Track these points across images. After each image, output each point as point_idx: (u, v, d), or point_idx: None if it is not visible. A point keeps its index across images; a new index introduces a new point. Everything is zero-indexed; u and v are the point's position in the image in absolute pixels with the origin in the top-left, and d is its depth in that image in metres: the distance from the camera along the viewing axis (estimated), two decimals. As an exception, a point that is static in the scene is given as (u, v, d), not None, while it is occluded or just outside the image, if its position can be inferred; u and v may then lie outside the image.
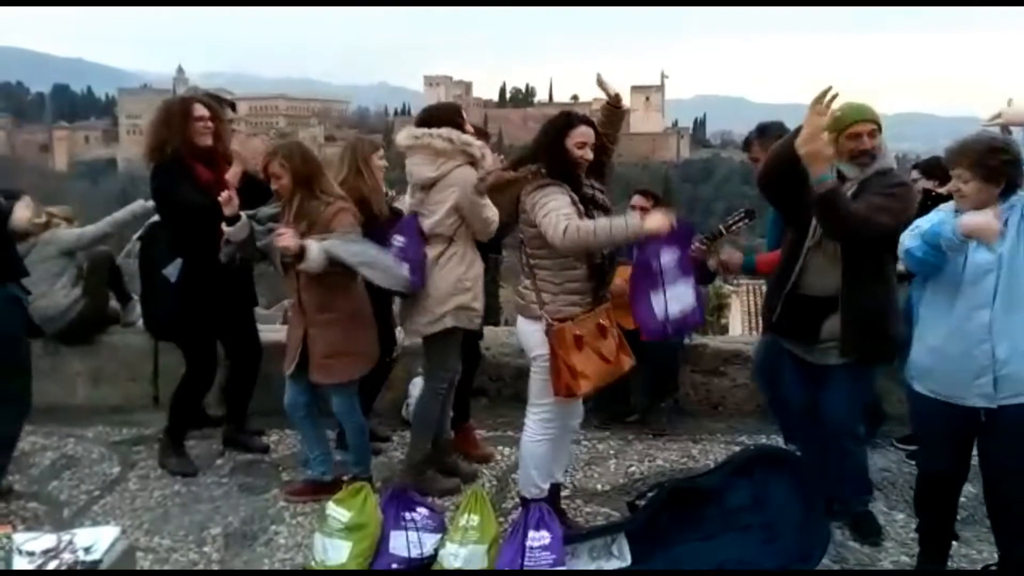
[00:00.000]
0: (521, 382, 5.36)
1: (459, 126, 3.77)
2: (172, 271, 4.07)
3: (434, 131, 3.70)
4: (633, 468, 4.44)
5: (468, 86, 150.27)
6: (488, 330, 6.40)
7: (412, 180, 3.84)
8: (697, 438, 4.86)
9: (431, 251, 3.77)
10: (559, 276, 3.32)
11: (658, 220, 3.14)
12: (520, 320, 3.49)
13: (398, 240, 3.78)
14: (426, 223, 3.78)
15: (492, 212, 3.72)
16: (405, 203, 4.10)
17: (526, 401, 5.36)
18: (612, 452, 4.66)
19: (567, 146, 3.25)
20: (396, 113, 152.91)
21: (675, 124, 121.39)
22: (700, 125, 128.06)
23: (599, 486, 4.20)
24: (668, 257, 3.32)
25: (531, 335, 3.41)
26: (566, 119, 3.33)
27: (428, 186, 3.76)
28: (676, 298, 3.35)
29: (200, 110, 4.06)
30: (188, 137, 3.99)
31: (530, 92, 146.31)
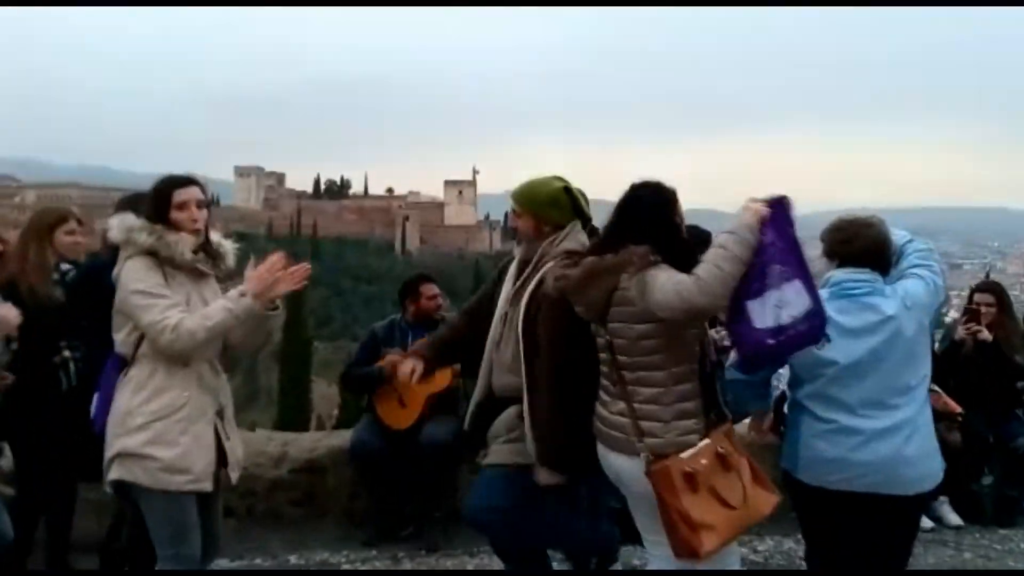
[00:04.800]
0: (277, 495, 4.69)
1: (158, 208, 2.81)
2: None
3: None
4: (398, 594, 3.83)
5: (281, 177, 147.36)
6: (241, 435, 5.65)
7: None
8: (475, 551, 4.32)
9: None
10: (671, 393, 2.56)
11: (751, 208, 2.50)
12: (612, 456, 2.67)
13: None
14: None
15: (158, 314, 2.67)
16: None
17: (283, 519, 4.73)
18: (375, 577, 4.03)
19: (678, 223, 2.66)
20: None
21: (487, 217, 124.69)
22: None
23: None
24: (769, 249, 2.51)
25: (634, 477, 2.59)
26: (673, 195, 2.71)
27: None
28: (784, 302, 2.51)
29: None
30: None
31: (345, 184, 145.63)
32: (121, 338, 2.81)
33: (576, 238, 2.98)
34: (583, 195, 3.06)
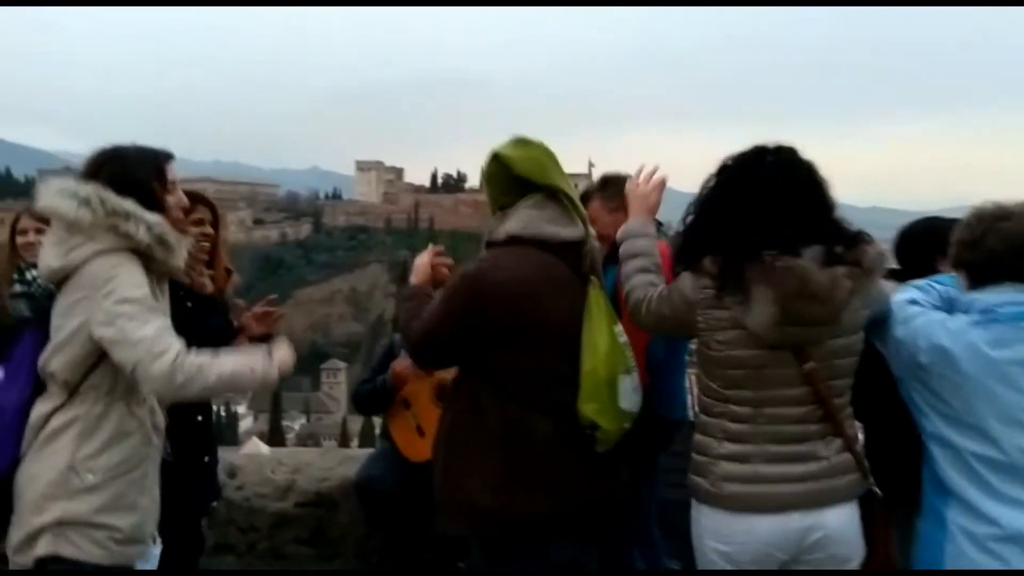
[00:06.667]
0: (282, 533, 4.09)
1: (142, 186, 2.11)
2: None
3: (71, 185, 2.05)
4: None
5: (400, 172, 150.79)
6: (243, 456, 5.14)
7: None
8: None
9: (39, 408, 2.09)
10: None
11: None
12: (827, 515, 2.02)
13: None
14: (42, 356, 2.11)
15: (154, 332, 1.99)
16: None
17: (287, 559, 4.13)
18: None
19: None
20: (326, 197, 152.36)
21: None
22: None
23: None
24: None
25: (855, 529, 2.07)
26: None
27: (55, 285, 2.10)
28: None
29: None
30: None
31: (461, 178, 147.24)
32: (66, 358, 2.05)
33: (522, 216, 2.15)
34: (537, 158, 2.17)
